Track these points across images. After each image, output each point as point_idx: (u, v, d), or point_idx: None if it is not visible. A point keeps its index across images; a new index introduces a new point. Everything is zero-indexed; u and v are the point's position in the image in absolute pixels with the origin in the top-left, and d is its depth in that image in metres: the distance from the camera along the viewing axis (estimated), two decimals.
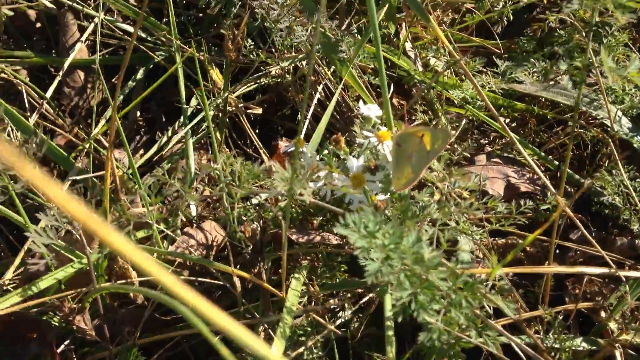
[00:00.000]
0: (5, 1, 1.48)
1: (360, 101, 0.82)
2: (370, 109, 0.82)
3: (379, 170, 0.78)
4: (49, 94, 1.27)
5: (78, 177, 1.05)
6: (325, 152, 0.86)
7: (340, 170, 0.78)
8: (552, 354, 0.84)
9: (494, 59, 1.32)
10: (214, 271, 0.88)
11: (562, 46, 1.41)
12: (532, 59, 1.40)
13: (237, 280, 0.78)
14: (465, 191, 0.83)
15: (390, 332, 0.69)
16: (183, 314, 0.50)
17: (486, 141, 1.33)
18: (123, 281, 0.89)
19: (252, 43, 1.30)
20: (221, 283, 0.86)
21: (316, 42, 1.16)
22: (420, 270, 0.61)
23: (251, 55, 1.26)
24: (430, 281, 0.62)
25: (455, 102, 1.34)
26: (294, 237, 0.91)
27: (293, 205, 0.94)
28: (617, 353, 0.83)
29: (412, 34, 1.50)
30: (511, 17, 1.26)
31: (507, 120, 1.32)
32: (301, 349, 0.82)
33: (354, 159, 0.77)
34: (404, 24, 1.50)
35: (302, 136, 1.27)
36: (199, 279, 0.89)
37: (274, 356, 0.45)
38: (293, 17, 1.14)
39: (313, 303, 0.85)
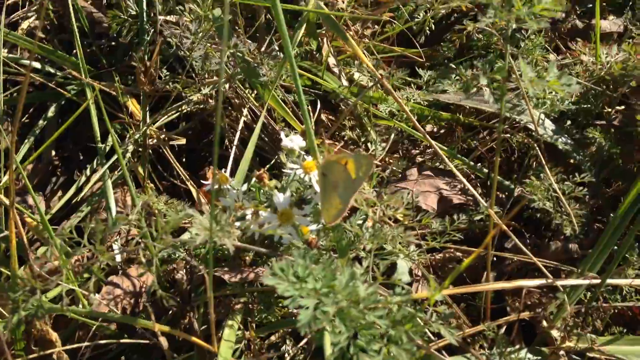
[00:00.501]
0: None
1: (282, 133, 0.78)
2: (293, 140, 0.78)
3: (307, 203, 0.75)
4: None
5: None
6: (252, 185, 0.82)
7: (268, 206, 0.74)
8: None
9: (416, 69, 1.32)
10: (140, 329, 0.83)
11: (480, 54, 1.42)
12: (453, 66, 1.41)
13: (163, 340, 0.73)
14: (397, 212, 0.81)
15: None
16: None
17: (417, 151, 1.32)
18: (44, 347, 0.82)
19: (167, 73, 1.25)
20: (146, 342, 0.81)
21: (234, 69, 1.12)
22: (356, 312, 0.58)
23: (168, 86, 1.21)
24: (368, 321, 0.59)
25: (383, 115, 1.33)
26: (226, 277, 0.87)
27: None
28: None
29: (335, 49, 1.48)
30: (433, 27, 1.25)
31: (435, 129, 1.32)
32: None
33: (280, 195, 0.73)
34: (325, 39, 1.48)
35: (229, 165, 1.22)
36: (124, 337, 0.83)
37: None
38: (209, 44, 1.10)
39: (251, 347, 0.80)
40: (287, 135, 0.80)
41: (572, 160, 1.13)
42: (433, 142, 0.94)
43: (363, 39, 1.53)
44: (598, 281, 0.84)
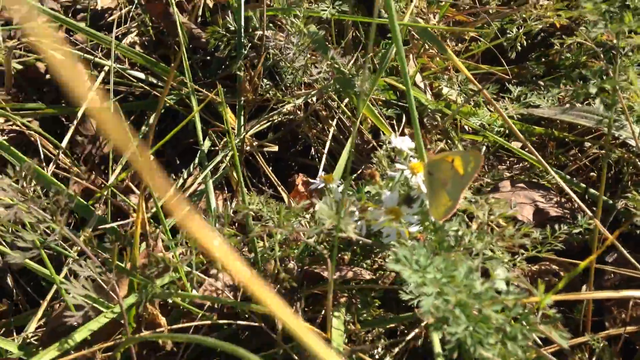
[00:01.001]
0: (14, 55, 1.48)
1: (392, 134, 0.81)
2: (403, 141, 0.81)
3: (414, 202, 0.77)
4: (64, 144, 1.26)
5: (110, 225, 1.03)
6: (356, 187, 0.84)
7: (376, 204, 0.76)
8: None
9: (507, 84, 1.32)
10: (246, 313, 0.86)
11: (567, 73, 1.42)
12: (541, 83, 1.41)
13: (278, 322, 0.76)
14: (500, 219, 0.82)
15: None
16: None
17: (503, 167, 1.32)
18: (154, 330, 0.86)
19: (268, 82, 1.30)
20: (254, 324, 0.84)
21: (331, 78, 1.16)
22: (476, 303, 0.59)
23: (267, 95, 1.26)
24: (485, 315, 0.60)
25: (471, 129, 1.34)
26: (325, 273, 0.89)
27: (321, 242, 0.93)
28: None
29: (421, 65, 1.51)
30: (524, 43, 1.26)
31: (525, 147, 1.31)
32: None
33: (388, 193, 0.75)
34: (411, 56, 1.51)
35: (321, 172, 1.26)
36: (230, 321, 0.87)
37: None
38: (308, 56, 1.14)
39: (355, 342, 0.82)
40: (394, 137, 0.83)
41: None
42: (535, 152, 0.94)
43: (446, 57, 1.55)
44: None
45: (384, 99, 1.39)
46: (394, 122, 1.41)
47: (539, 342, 0.74)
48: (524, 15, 1.28)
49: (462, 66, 1.01)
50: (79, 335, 0.80)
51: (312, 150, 1.42)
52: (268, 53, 1.26)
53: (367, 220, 0.74)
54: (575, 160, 1.18)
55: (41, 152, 1.23)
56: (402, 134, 1.41)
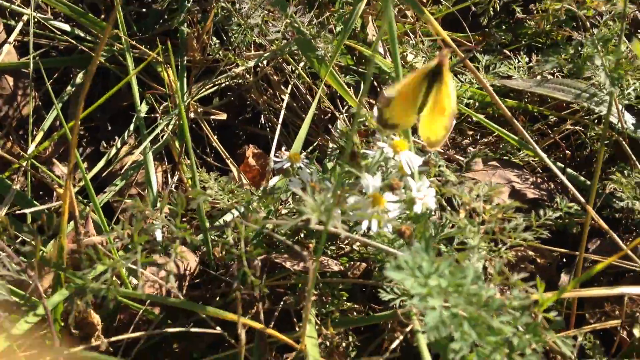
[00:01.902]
0: None
1: (375, 108, 0.69)
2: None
3: (394, 189, 0.66)
4: None
5: (30, 210, 0.88)
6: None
7: (352, 188, 0.65)
8: None
9: (475, 53, 1.23)
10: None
11: (532, 42, 1.34)
12: (507, 52, 1.33)
13: (242, 332, 0.64)
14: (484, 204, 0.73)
15: None
16: None
17: (468, 140, 1.24)
18: (86, 331, 0.73)
19: (218, 41, 1.15)
20: (208, 330, 0.72)
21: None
22: (486, 315, 0.49)
23: (217, 55, 1.12)
24: (493, 327, 0.51)
25: None
26: (287, 264, 0.78)
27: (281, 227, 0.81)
28: None
29: (379, 28, 1.40)
30: (498, 8, 1.17)
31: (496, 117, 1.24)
32: None
33: (370, 177, 0.65)
34: (370, 18, 1.40)
35: (274, 145, 1.14)
36: (167, 323, 0.75)
37: None
38: (265, 12, 1.01)
39: (327, 344, 0.72)
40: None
41: None
42: (518, 127, 0.85)
43: (407, 19, 1.45)
44: None
45: (342, 64, 1.28)
46: (351, 89, 1.30)
47: None
48: None
49: (441, 30, 0.90)
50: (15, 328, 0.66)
51: (262, 118, 1.29)
52: (218, 7, 1.11)
53: (345, 209, 0.63)
54: (546, 137, 1.11)
55: None
56: (361, 104, 1.31)
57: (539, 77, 1.14)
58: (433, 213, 0.76)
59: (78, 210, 0.70)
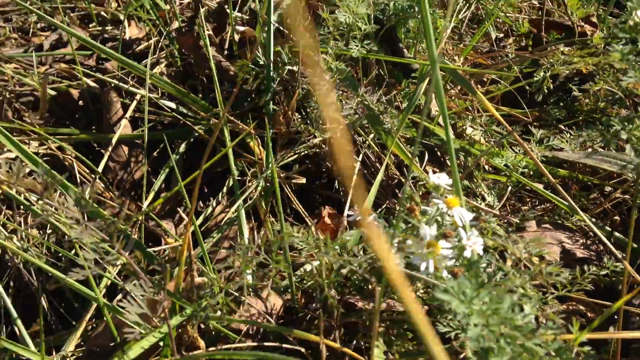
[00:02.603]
0: (48, 81, 1.53)
1: (430, 170, 0.84)
2: (440, 177, 0.84)
3: (451, 237, 0.79)
4: (99, 169, 1.29)
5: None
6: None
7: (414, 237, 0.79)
8: None
9: (529, 127, 1.36)
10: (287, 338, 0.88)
11: (588, 118, 1.46)
12: (562, 127, 1.45)
13: (323, 348, 0.77)
14: (533, 257, 0.85)
15: None
16: None
17: (526, 207, 1.35)
18: (193, 352, 0.88)
19: (299, 116, 1.34)
20: (295, 348, 0.85)
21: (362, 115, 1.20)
22: (519, 336, 0.61)
23: (299, 128, 1.30)
24: (527, 347, 0.62)
25: (492, 169, 1.38)
26: (359, 304, 0.92)
27: (353, 274, 0.95)
28: None
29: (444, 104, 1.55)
30: (551, 86, 1.31)
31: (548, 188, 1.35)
32: None
33: (427, 227, 0.78)
34: (433, 95, 1.56)
35: (347, 205, 1.29)
36: (272, 344, 0.89)
37: None
38: (340, 92, 1.18)
39: None
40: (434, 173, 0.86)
41: None
42: (562, 194, 0.97)
43: (468, 96, 1.60)
44: None
45: (407, 135, 1.43)
46: (416, 159, 1.45)
47: None
48: (551, 60, 1.32)
49: (491, 108, 1.04)
50: (132, 352, 0.82)
51: (337, 183, 1.45)
52: (301, 88, 1.30)
53: (407, 253, 0.76)
54: (598, 204, 1.21)
55: (77, 177, 1.26)
56: (425, 171, 1.45)
57: (590, 150, 1.25)
58: (483, 262, 0.87)
59: (190, 253, 0.86)
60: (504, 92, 1.60)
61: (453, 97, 1.61)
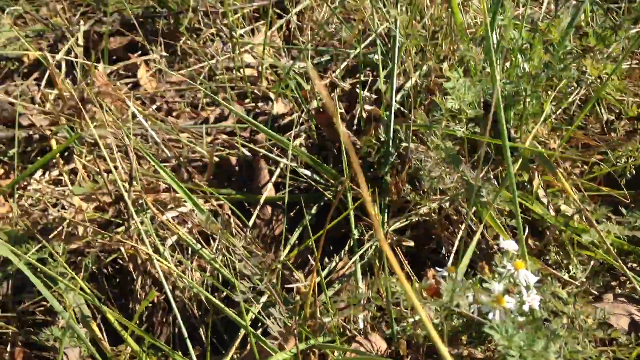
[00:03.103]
0: (214, 150, 1.91)
1: (501, 237, 1.06)
2: (509, 244, 1.06)
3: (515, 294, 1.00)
4: (250, 223, 1.63)
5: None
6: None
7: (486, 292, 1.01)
8: None
9: (619, 207, 1.51)
10: None
11: None
12: None
13: None
14: (590, 320, 1.03)
15: None
16: None
17: (616, 283, 1.48)
18: None
19: (410, 187, 1.60)
20: None
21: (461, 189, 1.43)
22: None
23: (408, 197, 1.56)
24: None
25: (586, 245, 1.53)
26: (455, 351, 1.14)
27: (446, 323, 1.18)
28: None
29: (545, 182, 1.73)
30: (633, 171, 1.46)
31: (635, 265, 1.48)
32: None
33: (495, 283, 1.00)
34: (536, 173, 1.74)
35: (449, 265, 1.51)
36: None
37: None
38: (443, 167, 1.43)
39: None
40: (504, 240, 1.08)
41: None
42: (628, 272, 1.13)
43: (571, 176, 1.76)
44: None
45: (509, 210, 1.63)
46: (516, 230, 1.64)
47: None
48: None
49: (567, 187, 1.23)
50: None
51: (443, 249, 1.67)
52: (411, 163, 1.56)
53: (479, 303, 0.98)
54: None
55: (233, 230, 1.60)
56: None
57: None
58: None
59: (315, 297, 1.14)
60: (608, 174, 1.74)
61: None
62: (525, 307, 0.97)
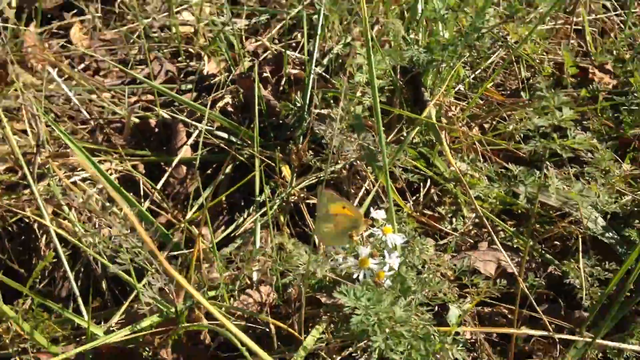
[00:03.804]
0: (134, 110, 1.95)
1: (371, 208, 1.15)
2: (378, 213, 1.15)
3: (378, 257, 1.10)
4: (159, 185, 1.69)
5: (176, 252, 1.44)
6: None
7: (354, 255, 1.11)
8: None
9: (508, 164, 1.61)
10: (266, 323, 1.21)
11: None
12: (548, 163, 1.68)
13: (272, 327, 1.11)
14: (449, 271, 1.13)
15: None
16: (231, 339, 0.83)
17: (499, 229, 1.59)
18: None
19: (312, 153, 1.67)
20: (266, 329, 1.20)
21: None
22: (390, 323, 0.91)
23: (311, 162, 1.63)
24: (398, 332, 0.92)
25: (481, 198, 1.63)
26: (323, 299, 1.23)
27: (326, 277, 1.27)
28: None
29: (451, 137, 1.82)
30: (521, 135, 1.56)
31: (518, 212, 1.59)
32: None
33: (363, 248, 1.09)
34: (444, 131, 1.83)
35: None
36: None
37: None
38: (345, 137, 1.50)
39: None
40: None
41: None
42: (484, 220, 1.23)
43: (470, 136, 1.85)
44: (590, 339, 1.09)
45: (407, 167, 1.71)
46: (421, 184, 1.74)
47: None
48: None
49: (447, 150, 1.32)
50: (145, 322, 1.19)
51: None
52: (314, 130, 1.63)
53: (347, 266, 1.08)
54: (546, 231, 1.45)
55: (142, 191, 1.66)
56: (425, 195, 1.72)
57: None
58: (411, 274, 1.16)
59: (203, 254, 1.22)
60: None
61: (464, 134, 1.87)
62: (386, 268, 1.06)
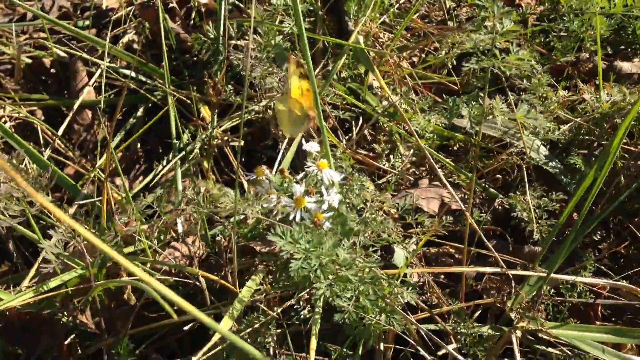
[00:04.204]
0: (24, 49, 1.71)
1: (303, 139, 1.02)
2: (311, 146, 1.02)
3: (315, 194, 0.98)
4: (60, 132, 1.49)
5: (83, 202, 1.27)
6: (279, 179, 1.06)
7: (287, 194, 0.98)
8: (461, 338, 1.03)
9: (444, 95, 1.52)
10: (196, 276, 1.09)
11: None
12: (481, 94, 1.61)
13: (202, 280, 0.98)
14: (393, 209, 1.03)
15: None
16: (156, 298, 0.70)
17: (438, 166, 1.52)
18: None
19: (232, 88, 1.52)
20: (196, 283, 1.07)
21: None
22: (333, 267, 0.80)
23: (231, 98, 1.48)
24: (343, 276, 0.82)
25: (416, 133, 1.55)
26: (257, 247, 1.11)
27: (259, 223, 1.15)
28: (514, 337, 1.01)
29: (381, 72, 1.71)
30: (454, 63, 1.47)
31: (456, 149, 1.52)
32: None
33: (297, 185, 0.97)
34: (374, 65, 1.72)
35: (276, 164, 1.48)
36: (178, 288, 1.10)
37: (220, 327, 0.63)
38: (265, 67, 1.36)
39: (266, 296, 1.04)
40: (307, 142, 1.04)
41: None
42: (430, 157, 1.15)
43: (400, 68, 1.75)
44: (544, 274, 1.04)
45: (346, 103, 1.60)
46: (353, 122, 1.62)
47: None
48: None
49: (381, 82, 1.21)
50: (53, 282, 1.03)
51: (280, 145, 1.63)
52: (231, 62, 1.47)
53: (281, 207, 0.95)
54: (487, 165, 1.39)
55: (41, 139, 1.46)
56: (358, 132, 1.62)
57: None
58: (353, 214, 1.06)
59: (119, 205, 1.06)
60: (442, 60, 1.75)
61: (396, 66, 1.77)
62: (324, 206, 0.95)
